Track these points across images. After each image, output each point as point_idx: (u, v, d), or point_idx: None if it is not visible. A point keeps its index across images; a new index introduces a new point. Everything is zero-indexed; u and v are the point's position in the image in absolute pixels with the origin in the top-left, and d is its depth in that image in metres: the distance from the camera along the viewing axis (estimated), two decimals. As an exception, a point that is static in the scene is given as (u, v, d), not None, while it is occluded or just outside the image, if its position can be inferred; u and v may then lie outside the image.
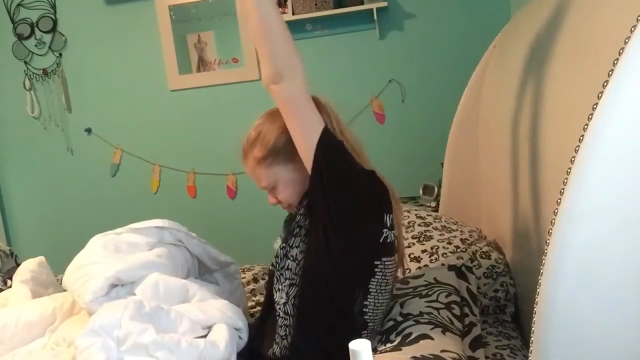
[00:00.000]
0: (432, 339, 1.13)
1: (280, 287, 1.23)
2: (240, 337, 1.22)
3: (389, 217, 1.22)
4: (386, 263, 1.21)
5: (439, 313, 1.24)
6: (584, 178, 0.83)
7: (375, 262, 1.19)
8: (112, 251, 1.32)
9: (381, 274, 1.21)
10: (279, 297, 1.23)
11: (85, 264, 1.24)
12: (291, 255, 1.23)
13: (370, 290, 1.20)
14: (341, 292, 1.18)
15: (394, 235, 1.23)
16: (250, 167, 1.31)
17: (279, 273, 1.25)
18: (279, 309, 1.22)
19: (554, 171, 1.06)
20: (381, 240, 1.19)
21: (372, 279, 1.20)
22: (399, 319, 1.25)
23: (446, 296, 1.32)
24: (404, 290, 1.38)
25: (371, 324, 1.22)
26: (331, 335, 1.18)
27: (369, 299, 1.20)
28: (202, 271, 1.52)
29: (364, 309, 1.20)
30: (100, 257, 1.28)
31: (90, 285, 1.17)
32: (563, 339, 0.88)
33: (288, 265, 1.23)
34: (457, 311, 1.27)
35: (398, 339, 1.17)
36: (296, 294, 1.21)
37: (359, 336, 1.21)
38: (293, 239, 1.24)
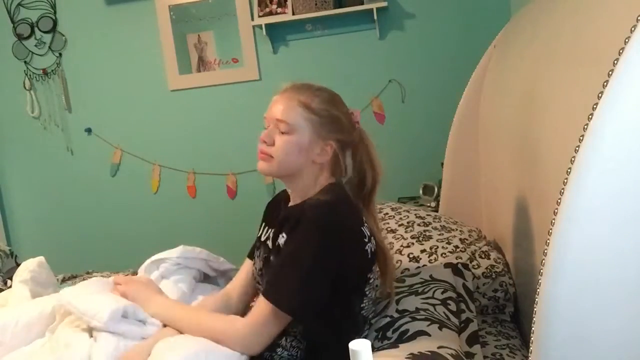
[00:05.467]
0: (429, 335, 1.14)
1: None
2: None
3: (365, 228, 1.20)
4: (374, 269, 1.24)
5: (435, 309, 1.25)
6: (584, 178, 0.83)
7: (368, 275, 1.21)
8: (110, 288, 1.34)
9: (373, 277, 1.23)
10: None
11: (88, 293, 1.26)
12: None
13: (367, 293, 1.22)
14: (340, 305, 1.18)
15: (374, 240, 1.22)
16: (287, 99, 1.19)
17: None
18: None
19: (554, 171, 1.06)
20: (369, 257, 1.19)
21: (367, 285, 1.22)
22: (395, 315, 1.25)
23: (442, 292, 1.32)
24: (400, 288, 1.38)
25: (369, 316, 1.27)
26: (339, 335, 1.17)
27: (364, 301, 1.23)
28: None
29: (362, 312, 1.24)
30: (103, 289, 1.31)
31: (104, 306, 1.18)
32: (563, 339, 0.88)
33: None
34: (453, 307, 1.28)
35: (395, 336, 1.17)
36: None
37: (363, 331, 1.25)
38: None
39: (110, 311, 1.16)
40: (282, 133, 1.18)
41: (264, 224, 1.37)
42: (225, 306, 1.33)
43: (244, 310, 1.36)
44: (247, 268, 1.40)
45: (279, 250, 1.17)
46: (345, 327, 1.19)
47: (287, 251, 1.14)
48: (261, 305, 1.11)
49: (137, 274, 1.52)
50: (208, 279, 1.59)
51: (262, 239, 1.32)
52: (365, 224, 1.20)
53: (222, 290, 1.41)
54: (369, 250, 1.18)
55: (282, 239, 1.17)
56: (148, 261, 1.48)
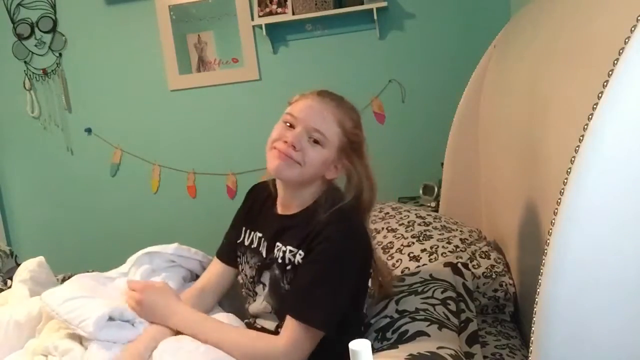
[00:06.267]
0: (428, 335, 1.14)
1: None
2: None
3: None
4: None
5: (434, 309, 1.25)
6: (584, 178, 0.83)
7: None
8: (100, 284, 1.32)
9: (372, 273, 1.26)
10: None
11: (74, 297, 1.22)
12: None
13: (369, 289, 1.25)
14: (353, 304, 1.19)
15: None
16: (329, 110, 1.16)
17: (283, 312, 1.18)
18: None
19: (554, 171, 1.06)
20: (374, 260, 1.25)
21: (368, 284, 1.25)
22: (395, 315, 1.25)
23: (442, 292, 1.32)
24: (400, 287, 1.38)
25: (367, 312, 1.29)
26: (343, 334, 1.18)
27: (367, 298, 1.26)
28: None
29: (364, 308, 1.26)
30: (90, 289, 1.28)
31: (88, 314, 1.15)
32: (563, 339, 0.88)
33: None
34: (452, 307, 1.28)
35: (395, 337, 1.17)
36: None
37: (365, 328, 1.26)
38: (284, 274, 1.18)
39: (94, 320, 1.12)
40: (314, 142, 1.15)
41: (245, 228, 1.32)
42: (200, 302, 1.30)
43: (213, 305, 1.35)
44: (218, 267, 1.36)
45: (294, 265, 1.16)
46: (352, 324, 1.19)
47: (314, 269, 1.12)
48: (294, 325, 1.10)
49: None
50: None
51: (246, 243, 1.30)
52: None
53: (196, 285, 1.36)
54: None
55: (299, 257, 1.16)
56: (140, 252, 1.43)
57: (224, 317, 1.25)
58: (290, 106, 1.20)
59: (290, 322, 1.10)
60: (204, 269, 1.46)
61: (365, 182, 1.20)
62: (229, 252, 1.35)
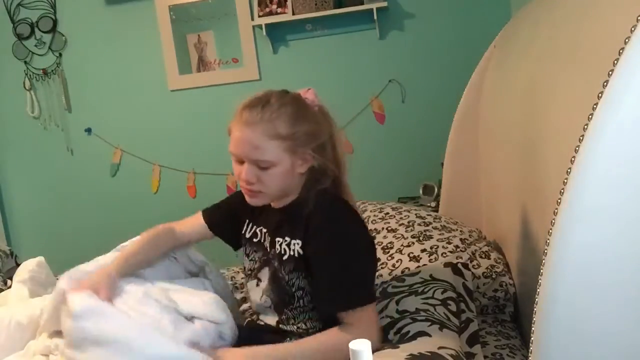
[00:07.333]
0: (429, 335, 1.14)
1: (292, 320, 1.22)
2: (222, 337, 1.22)
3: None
4: None
5: (435, 310, 1.25)
6: (584, 178, 0.83)
7: None
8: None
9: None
10: (296, 327, 1.22)
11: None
12: (297, 290, 1.20)
13: None
14: None
15: None
16: (256, 134, 1.13)
17: (282, 306, 1.22)
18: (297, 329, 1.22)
19: (554, 171, 1.06)
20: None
21: None
22: (396, 316, 1.25)
23: (442, 292, 1.32)
24: (400, 288, 1.38)
25: None
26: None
27: None
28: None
29: None
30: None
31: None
32: (563, 339, 0.88)
33: (297, 304, 1.20)
34: (453, 307, 1.28)
35: (396, 338, 1.17)
36: (316, 322, 1.22)
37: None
38: (290, 275, 1.20)
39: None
40: (263, 168, 1.15)
41: (249, 221, 1.34)
42: (164, 239, 1.39)
43: (167, 250, 1.41)
44: (198, 222, 1.40)
45: (300, 256, 1.18)
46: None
47: (329, 262, 1.14)
48: (351, 316, 1.12)
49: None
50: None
51: (248, 236, 1.32)
52: None
53: (172, 224, 1.42)
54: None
55: (297, 246, 1.18)
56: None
57: (208, 298, 1.26)
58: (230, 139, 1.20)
59: (347, 317, 1.12)
60: (190, 260, 1.46)
61: (329, 164, 1.21)
62: (218, 219, 1.39)
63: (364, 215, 1.98)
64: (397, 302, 1.30)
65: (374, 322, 1.14)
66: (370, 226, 1.87)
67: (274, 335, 1.23)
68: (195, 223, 1.41)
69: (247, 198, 1.21)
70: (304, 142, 1.16)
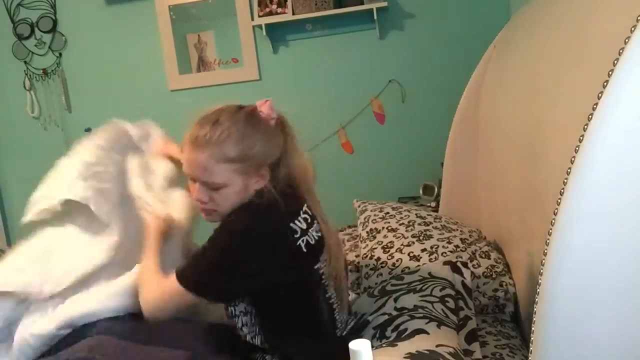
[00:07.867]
0: (427, 333, 1.14)
1: (240, 325, 1.23)
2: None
3: (296, 224, 1.16)
4: (322, 259, 1.21)
5: (433, 307, 1.25)
6: (584, 178, 0.83)
7: (315, 267, 1.20)
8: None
9: (325, 268, 1.22)
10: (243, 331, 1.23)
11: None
12: (240, 312, 1.22)
13: (323, 282, 1.23)
14: (303, 306, 1.21)
15: (313, 234, 1.19)
16: (205, 156, 1.13)
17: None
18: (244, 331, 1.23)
19: (554, 171, 1.06)
20: (304, 250, 1.16)
21: (322, 280, 1.22)
22: (394, 313, 1.25)
23: (440, 290, 1.32)
24: (399, 285, 1.38)
25: (336, 304, 1.26)
26: (299, 329, 1.22)
27: (328, 291, 1.24)
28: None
29: (330, 301, 1.25)
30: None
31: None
32: (563, 339, 0.88)
33: (243, 322, 1.22)
34: (451, 304, 1.28)
35: (394, 335, 1.17)
36: (260, 326, 1.23)
37: (334, 315, 1.26)
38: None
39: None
40: (215, 189, 1.15)
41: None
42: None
43: None
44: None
45: None
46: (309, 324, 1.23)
47: (204, 246, 1.19)
48: (171, 275, 1.17)
49: None
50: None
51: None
52: (298, 220, 1.17)
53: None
54: (302, 244, 1.15)
55: None
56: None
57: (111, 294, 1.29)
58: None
59: (170, 275, 1.17)
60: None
61: (291, 165, 1.21)
62: None
63: (364, 215, 1.99)
64: (396, 300, 1.30)
65: (171, 297, 1.16)
66: (370, 225, 1.87)
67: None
68: None
69: (202, 216, 1.22)
70: (255, 163, 1.15)
